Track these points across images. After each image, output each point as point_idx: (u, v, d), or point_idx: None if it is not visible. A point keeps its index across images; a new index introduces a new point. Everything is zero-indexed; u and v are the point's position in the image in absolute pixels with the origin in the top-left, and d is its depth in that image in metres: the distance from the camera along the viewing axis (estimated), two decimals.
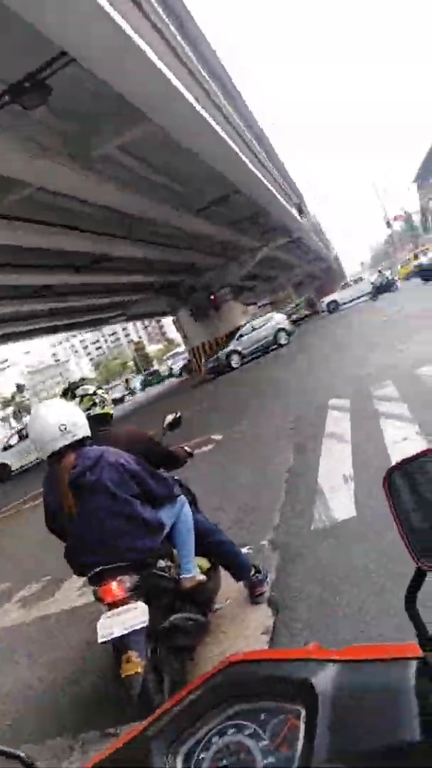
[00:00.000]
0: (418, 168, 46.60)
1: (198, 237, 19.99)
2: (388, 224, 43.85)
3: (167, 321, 52.95)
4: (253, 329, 22.74)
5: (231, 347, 22.07)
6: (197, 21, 8.24)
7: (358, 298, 30.01)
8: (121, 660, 1.94)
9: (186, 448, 3.03)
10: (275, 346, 21.57)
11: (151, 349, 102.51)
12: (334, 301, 31.50)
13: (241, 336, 22.70)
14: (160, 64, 6.73)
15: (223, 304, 27.82)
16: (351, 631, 2.23)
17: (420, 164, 44.87)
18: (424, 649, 0.55)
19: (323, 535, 3.26)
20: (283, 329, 22.21)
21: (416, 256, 31.80)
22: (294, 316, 31.17)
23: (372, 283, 27.92)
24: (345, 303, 30.86)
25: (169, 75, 7.13)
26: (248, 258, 27.32)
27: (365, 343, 11.60)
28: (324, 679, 0.57)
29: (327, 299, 32.49)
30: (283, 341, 21.71)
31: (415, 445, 4.01)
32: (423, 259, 25.80)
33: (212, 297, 26.73)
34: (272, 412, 8.16)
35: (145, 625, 1.96)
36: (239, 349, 22.10)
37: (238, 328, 23.57)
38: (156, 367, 69.72)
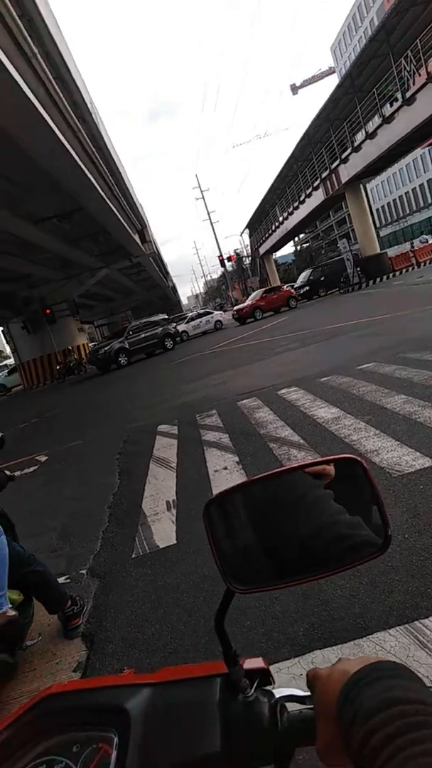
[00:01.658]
0: (249, 218, 51.27)
1: (35, 247, 19.17)
2: (222, 263, 46.94)
3: None
4: None
5: None
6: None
7: None
8: None
9: (6, 471, 2.81)
10: None
11: None
12: None
13: None
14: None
15: (60, 319, 26.83)
16: (165, 659, 2.25)
17: (251, 216, 49.54)
18: (228, 666, 0.59)
19: (144, 563, 3.25)
20: None
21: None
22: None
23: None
24: None
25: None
26: (87, 276, 26.91)
27: None
28: (137, 703, 0.58)
29: None
30: None
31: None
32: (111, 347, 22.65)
33: (47, 311, 25.59)
34: None
35: None
36: None
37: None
38: None
